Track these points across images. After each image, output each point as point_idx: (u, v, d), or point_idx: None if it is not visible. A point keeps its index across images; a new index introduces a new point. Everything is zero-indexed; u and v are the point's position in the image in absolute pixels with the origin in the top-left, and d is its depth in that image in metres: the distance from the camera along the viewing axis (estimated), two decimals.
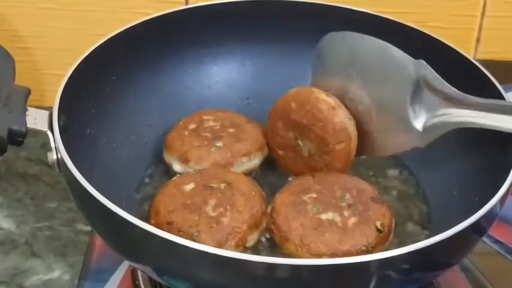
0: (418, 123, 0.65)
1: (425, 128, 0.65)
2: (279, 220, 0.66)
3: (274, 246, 0.67)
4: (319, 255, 0.63)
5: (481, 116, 0.61)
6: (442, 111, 0.64)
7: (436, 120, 0.64)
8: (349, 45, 0.70)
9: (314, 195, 0.68)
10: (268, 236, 0.68)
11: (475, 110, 0.62)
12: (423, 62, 0.64)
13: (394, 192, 0.75)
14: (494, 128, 0.61)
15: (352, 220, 0.66)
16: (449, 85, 0.63)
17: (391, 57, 0.66)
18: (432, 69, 0.64)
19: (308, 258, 0.63)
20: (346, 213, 0.66)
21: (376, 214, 0.66)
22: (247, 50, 0.84)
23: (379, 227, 0.65)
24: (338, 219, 0.66)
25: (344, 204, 0.67)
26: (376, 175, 0.76)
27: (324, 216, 0.66)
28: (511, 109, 0.61)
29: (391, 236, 0.67)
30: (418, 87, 0.64)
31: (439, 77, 0.64)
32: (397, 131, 0.68)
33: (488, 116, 0.61)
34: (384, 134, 0.69)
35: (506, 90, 0.69)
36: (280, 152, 0.75)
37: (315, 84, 0.73)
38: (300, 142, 0.72)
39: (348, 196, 0.68)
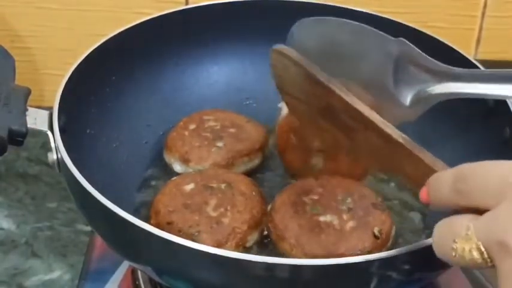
0: (405, 99, 0.65)
1: (413, 103, 0.64)
2: (277, 219, 0.66)
3: (274, 246, 0.67)
4: (313, 257, 0.62)
5: (466, 86, 0.62)
6: (428, 85, 0.63)
7: (423, 94, 0.63)
8: (322, 31, 0.68)
9: (315, 197, 0.68)
10: (268, 235, 0.68)
11: (460, 81, 0.62)
12: (403, 39, 0.64)
13: (395, 190, 0.75)
14: (481, 97, 0.61)
15: (350, 224, 0.65)
16: (432, 59, 0.63)
17: (369, 38, 0.65)
18: (413, 46, 0.63)
19: (302, 258, 0.63)
20: (345, 216, 0.66)
21: (376, 220, 0.66)
22: (247, 50, 0.84)
23: (376, 233, 0.65)
24: (336, 222, 0.65)
25: (344, 207, 0.67)
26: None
27: (322, 218, 0.66)
28: (495, 77, 0.61)
29: (390, 243, 0.66)
30: (401, 64, 0.64)
31: (422, 53, 0.63)
32: (384, 109, 0.67)
33: (474, 86, 0.61)
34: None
35: None
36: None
37: None
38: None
39: (349, 200, 0.67)
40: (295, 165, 0.73)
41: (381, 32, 0.64)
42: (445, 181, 0.47)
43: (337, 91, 0.55)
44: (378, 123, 0.53)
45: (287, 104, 0.66)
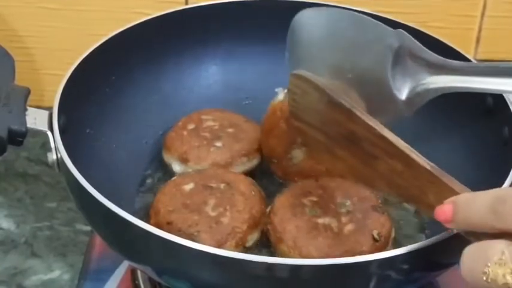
0: (401, 93, 0.64)
1: (409, 97, 0.64)
2: (275, 221, 0.66)
3: (273, 247, 0.67)
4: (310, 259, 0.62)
5: (464, 80, 0.61)
6: (425, 78, 0.63)
7: (419, 88, 0.63)
8: (324, 20, 0.68)
9: (314, 199, 0.67)
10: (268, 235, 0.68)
11: (457, 74, 0.62)
12: (403, 31, 0.63)
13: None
14: (479, 91, 0.61)
15: (349, 227, 0.65)
16: (431, 52, 0.63)
17: (370, 29, 0.64)
18: (413, 38, 0.63)
19: None
20: (343, 219, 0.66)
21: (375, 223, 0.65)
22: (246, 50, 0.84)
23: (375, 236, 0.64)
24: (334, 224, 0.65)
25: (343, 210, 0.66)
26: None
27: (320, 220, 0.65)
28: (493, 71, 0.60)
29: (389, 246, 0.66)
30: (400, 57, 0.63)
31: (421, 45, 0.63)
32: (380, 102, 0.66)
33: (471, 79, 0.61)
34: (368, 105, 0.68)
35: None
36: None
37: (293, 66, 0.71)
38: None
39: (348, 203, 0.67)
40: (275, 152, 0.73)
41: (380, 23, 0.64)
42: (482, 201, 0.46)
43: (361, 116, 0.53)
44: (404, 150, 0.51)
45: (299, 133, 0.64)
